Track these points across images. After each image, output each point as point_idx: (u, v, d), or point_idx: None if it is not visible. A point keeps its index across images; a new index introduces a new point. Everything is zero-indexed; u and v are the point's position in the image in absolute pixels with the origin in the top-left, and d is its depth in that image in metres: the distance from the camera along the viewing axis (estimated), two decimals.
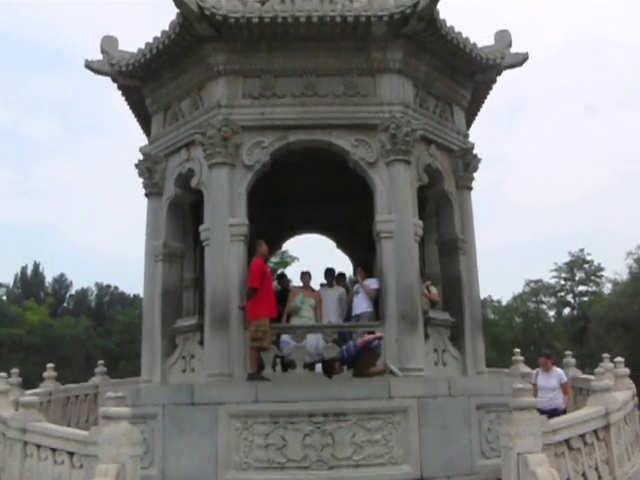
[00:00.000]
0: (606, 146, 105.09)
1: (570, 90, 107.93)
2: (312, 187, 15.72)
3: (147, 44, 12.84)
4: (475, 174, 14.03)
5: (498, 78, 14.56)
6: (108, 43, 13.79)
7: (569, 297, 60.71)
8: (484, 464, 10.64)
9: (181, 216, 13.77)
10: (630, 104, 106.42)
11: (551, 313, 62.39)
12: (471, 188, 13.96)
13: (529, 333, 57.42)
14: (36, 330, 51.01)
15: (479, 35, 13.64)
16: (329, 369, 11.15)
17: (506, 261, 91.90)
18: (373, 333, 11.35)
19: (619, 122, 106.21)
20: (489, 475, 10.46)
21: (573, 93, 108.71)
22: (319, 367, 11.63)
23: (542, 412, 9.94)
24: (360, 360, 11.19)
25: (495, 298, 64.34)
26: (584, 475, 9.63)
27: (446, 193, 13.47)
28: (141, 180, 13.86)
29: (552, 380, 12.86)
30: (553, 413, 11.33)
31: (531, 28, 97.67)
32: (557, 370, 13.23)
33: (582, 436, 9.72)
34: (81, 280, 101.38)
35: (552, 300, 61.68)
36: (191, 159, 12.78)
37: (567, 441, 9.43)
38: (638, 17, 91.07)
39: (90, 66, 13.67)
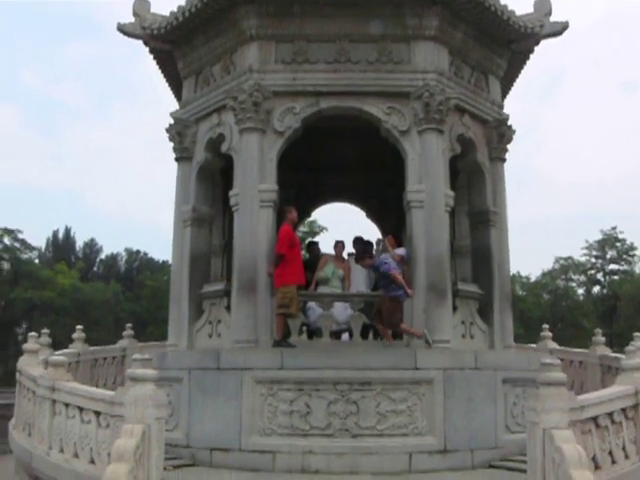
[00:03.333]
0: None
1: (608, 65, 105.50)
2: (343, 155, 15.62)
3: (179, 7, 12.72)
4: (509, 146, 13.79)
5: (536, 48, 14.23)
6: (140, 6, 13.69)
7: (599, 275, 59.88)
8: (508, 439, 10.60)
9: (210, 181, 13.72)
10: None
11: (580, 291, 61.62)
12: (504, 160, 13.73)
13: (557, 310, 56.79)
14: (66, 293, 51.58)
15: (518, 2, 13.31)
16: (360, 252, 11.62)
17: (535, 237, 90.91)
18: None
19: None
20: (513, 450, 10.46)
21: (611, 68, 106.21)
22: (346, 336, 11.60)
23: None
24: (383, 309, 11.29)
25: (523, 274, 63.77)
26: (611, 454, 9.45)
27: (479, 164, 13.26)
28: (171, 145, 13.82)
29: None
30: None
31: None
32: None
33: (610, 414, 9.54)
34: (111, 245, 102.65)
35: (582, 278, 60.86)
36: (222, 124, 12.69)
37: (594, 419, 9.26)
38: None
39: (122, 29, 13.58)
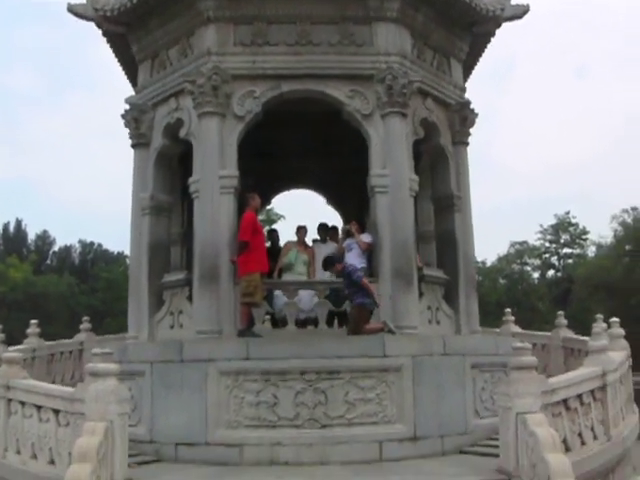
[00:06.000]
0: (594, 112, 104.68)
1: (562, 51, 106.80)
2: (303, 142, 15.39)
3: None
4: (471, 129, 13.70)
5: (497, 32, 14.14)
6: None
7: (554, 259, 60.91)
8: (478, 424, 10.52)
9: (169, 168, 13.37)
10: (622, 69, 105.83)
11: (535, 275, 62.56)
12: (467, 143, 13.68)
13: (513, 294, 57.47)
14: (19, 287, 50.40)
15: None
16: (329, 265, 11.26)
17: (490, 223, 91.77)
18: None
19: (609, 87, 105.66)
20: (482, 435, 10.41)
21: (565, 54, 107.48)
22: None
23: None
24: (351, 316, 11.07)
25: (479, 259, 64.48)
26: (580, 435, 9.50)
27: (442, 148, 13.16)
28: (127, 131, 13.43)
29: None
30: None
31: None
32: None
33: (579, 396, 9.57)
34: (64, 237, 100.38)
35: (537, 262, 61.82)
36: (180, 109, 12.36)
37: (565, 401, 9.28)
38: None
39: (73, 10, 13.06)
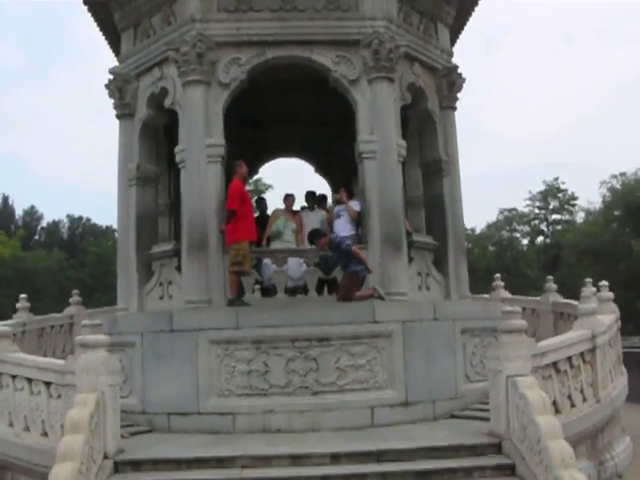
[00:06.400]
0: (583, 78, 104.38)
1: (549, 19, 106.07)
2: (290, 109, 15.21)
3: None
4: (459, 94, 13.59)
5: None
6: None
7: (542, 226, 61.08)
8: (468, 388, 10.58)
9: (154, 138, 13.22)
10: (608, 36, 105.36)
11: (524, 241, 62.74)
12: (455, 108, 13.57)
13: (502, 261, 57.66)
14: (7, 263, 50.09)
15: None
16: (314, 238, 11.21)
17: (479, 190, 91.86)
18: None
19: (596, 53, 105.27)
20: (473, 399, 10.47)
21: (552, 22, 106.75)
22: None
23: None
24: (342, 283, 11.03)
25: (469, 226, 64.59)
26: (569, 397, 9.57)
27: (430, 113, 13.06)
28: (112, 102, 13.23)
29: None
30: None
31: None
32: None
33: (569, 359, 9.62)
34: (52, 212, 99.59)
35: (525, 229, 61.99)
36: (164, 78, 12.20)
37: (554, 364, 9.33)
38: None
39: None
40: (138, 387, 10.21)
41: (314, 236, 11.36)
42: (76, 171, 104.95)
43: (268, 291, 11.84)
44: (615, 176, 49.26)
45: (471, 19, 14.84)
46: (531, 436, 7.47)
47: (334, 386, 9.76)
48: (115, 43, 14.14)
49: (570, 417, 9.33)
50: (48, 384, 8.85)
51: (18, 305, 16.48)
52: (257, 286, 11.87)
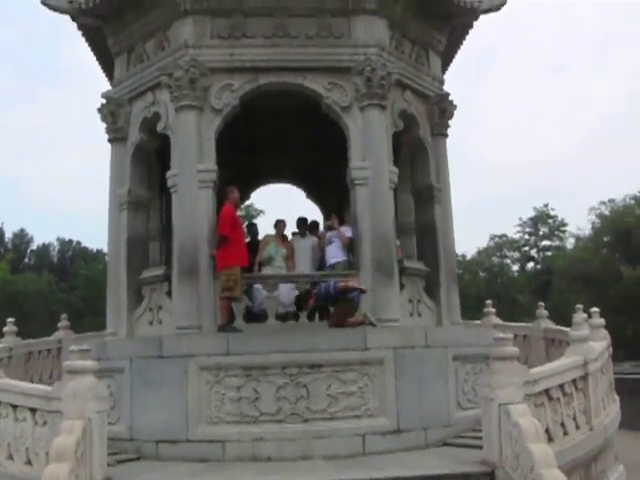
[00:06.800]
0: (573, 106, 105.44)
1: (539, 47, 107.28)
2: (283, 135, 15.27)
3: None
4: (450, 121, 13.68)
5: (474, 23, 14.12)
6: None
7: (533, 252, 61.43)
8: (461, 416, 10.47)
9: (146, 163, 13.22)
10: (597, 66, 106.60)
11: (515, 268, 63.01)
12: (446, 135, 13.66)
13: (493, 287, 57.79)
14: None
15: None
16: (302, 303, 11.22)
17: (470, 216, 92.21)
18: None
19: (585, 83, 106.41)
20: (466, 427, 10.36)
21: (541, 50, 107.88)
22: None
23: None
24: (336, 310, 10.92)
25: (459, 252, 64.73)
26: (562, 425, 9.50)
27: (421, 140, 13.12)
28: (104, 126, 13.26)
29: None
30: None
31: None
32: None
33: (561, 386, 9.57)
34: (42, 235, 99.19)
35: (516, 255, 62.28)
36: (157, 102, 12.22)
37: (547, 391, 9.27)
38: None
39: (47, 3, 12.86)
40: (126, 414, 10.07)
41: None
42: (67, 194, 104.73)
43: (258, 316, 11.75)
44: (604, 202, 49.75)
45: (462, 47, 15.02)
46: (524, 464, 7.40)
47: (325, 413, 9.64)
48: (108, 67, 14.18)
49: (563, 445, 9.25)
50: (34, 410, 8.68)
51: (5, 329, 16.32)
52: (244, 311, 11.78)
